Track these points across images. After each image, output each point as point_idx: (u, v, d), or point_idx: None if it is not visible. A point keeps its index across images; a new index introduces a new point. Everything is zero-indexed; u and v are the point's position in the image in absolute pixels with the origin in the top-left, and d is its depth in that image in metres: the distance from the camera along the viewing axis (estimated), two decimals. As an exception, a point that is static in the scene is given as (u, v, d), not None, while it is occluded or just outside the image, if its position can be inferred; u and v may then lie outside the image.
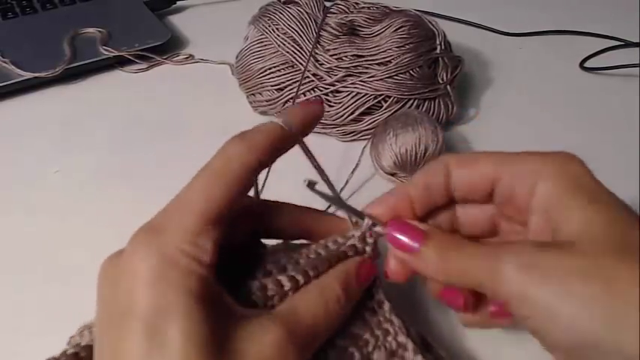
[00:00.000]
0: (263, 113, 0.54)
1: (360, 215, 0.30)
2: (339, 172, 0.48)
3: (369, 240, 0.30)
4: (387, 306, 0.30)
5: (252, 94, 0.53)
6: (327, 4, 0.55)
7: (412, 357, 0.28)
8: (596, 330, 0.22)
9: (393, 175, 0.47)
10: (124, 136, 0.53)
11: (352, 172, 0.47)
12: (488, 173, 0.28)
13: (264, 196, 0.33)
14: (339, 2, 0.56)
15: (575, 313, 0.23)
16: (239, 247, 0.30)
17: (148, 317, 0.23)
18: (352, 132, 0.51)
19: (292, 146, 0.29)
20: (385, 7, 0.56)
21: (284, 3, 0.55)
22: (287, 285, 0.27)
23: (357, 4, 0.56)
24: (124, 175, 0.49)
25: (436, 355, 0.31)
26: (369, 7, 0.55)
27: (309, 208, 0.33)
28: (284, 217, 0.32)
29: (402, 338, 0.29)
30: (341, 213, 0.32)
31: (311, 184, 0.28)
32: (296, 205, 0.32)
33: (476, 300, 0.29)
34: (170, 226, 0.25)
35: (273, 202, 0.32)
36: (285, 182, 0.34)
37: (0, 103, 0.57)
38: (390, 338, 0.29)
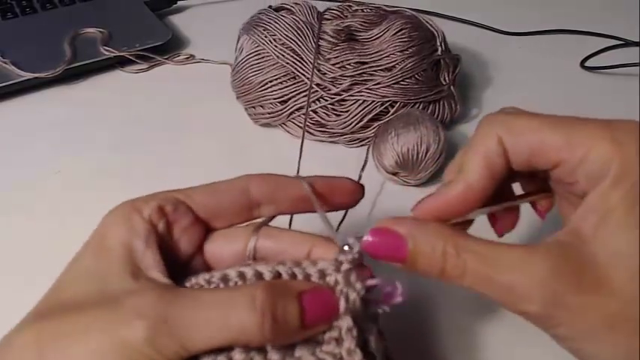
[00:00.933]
0: (265, 125, 0.53)
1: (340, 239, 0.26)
2: (341, 174, 0.48)
3: (344, 266, 0.24)
4: (358, 356, 0.24)
5: (252, 107, 0.53)
6: (319, 8, 0.54)
7: None
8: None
9: (394, 174, 0.47)
10: (124, 136, 0.53)
11: (361, 172, 0.47)
12: (550, 157, 0.25)
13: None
14: (332, 7, 0.55)
15: (618, 341, 0.22)
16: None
17: (82, 249, 0.27)
18: (359, 139, 0.51)
19: (308, 208, 0.28)
20: (379, 8, 0.56)
21: (275, 10, 0.54)
22: (234, 279, 0.25)
23: (349, 6, 0.56)
24: (124, 175, 0.48)
25: None
26: (362, 10, 0.55)
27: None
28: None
29: None
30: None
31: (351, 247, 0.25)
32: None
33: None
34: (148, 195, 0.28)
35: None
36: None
37: (0, 103, 0.57)
38: None
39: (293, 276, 0.25)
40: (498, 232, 0.29)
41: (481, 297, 0.25)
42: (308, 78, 0.49)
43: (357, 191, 0.29)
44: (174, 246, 0.27)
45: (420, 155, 0.45)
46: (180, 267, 0.27)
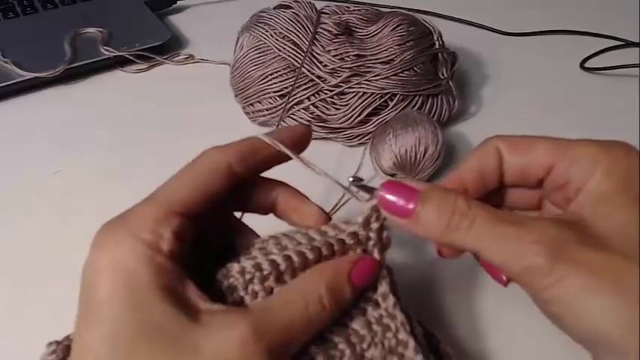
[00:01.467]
0: (263, 124, 0.53)
1: (369, 191, 0.28)
2: (340, 174, 0.48)
3: (374, 225, 0.27)
4: (391, 300, 0.27)
5: (251, 104, 0.53)
6: (318, 7, 0.54)
7: (412, 356, 0.26)
8: (610, 332, 0.22)
9: (392, 175, 0.47)
10: (124, 136, 0.53)
11: (356, 172, 0.47)
12: (543, 161, 0.28)
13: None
14: (330, 5, 0.55)
15: (596, 310, 0.23)
16: (229, 244, 0.29)
17: (100, 309, 0.23)
18: (359, 135, 0.51)
19: (279, 161, 0.30)
20: (376, 8, 0.56)
21: (275, 8, 0.55)
22: (267, 269, 0.26)
23: (348, 6, 0.56)
24: (124, 175, 0.49)
25: (441, 355, 0.29)
26: (359, 10, 0.55)
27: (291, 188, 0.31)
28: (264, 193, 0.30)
29: (403, 335, 0.27)
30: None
31: (356, 180, 0.29)
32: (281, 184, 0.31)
33: None
34: (134, 216, 0.25)
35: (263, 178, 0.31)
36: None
37: (0, 103, 0.57)
38: (389, 335, 0.27)
39: (330, 246, 0.27)
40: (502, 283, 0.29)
41: (480, 256, 0.25)
42: (300, 65, 0.49)
43: (308, 134, 0.31)
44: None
45: (418, 156, 0.45)
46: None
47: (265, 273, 0.26)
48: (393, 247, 0.29)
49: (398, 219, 0.27)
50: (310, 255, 0.27)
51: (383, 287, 0.28)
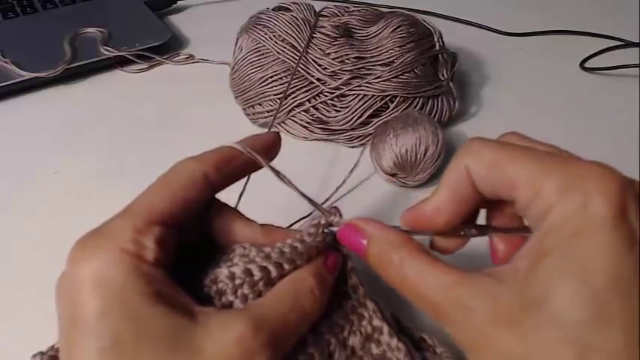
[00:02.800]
0: (263, 125, 0.53)
1: (322, 211, 0.30)
2: (340, 174, 0.48)
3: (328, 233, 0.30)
4: (361, 290, 0.30)
5: (251, 106, 0.53)
6: (317, 8, 0.54)
7: (388, 340, 0.28)
8: None
9: (393, 175, 0.47)
10: (123, 136, 0.53)
11: (350, 172, 0.47)
12: (509, 186, 0.25)
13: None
14: (330, 6, 0.55)
15: None
16: (207, 250, 0.30)
17: (92, 323, 0.23)
18: (359, 136, 0.51)
19: (253, 169, 0.30)
20: (376, 8, 0.56)
21: (274, 10, 0.54)
22: (257, 274, 0.27)
23: (347, 7, 0.56)
24: (124, 175, 0.49)
25: (411, 337, 0.30)
26: (359, 10, 0.55)
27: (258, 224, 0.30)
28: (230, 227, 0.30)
29: (377, 322, 0.29)
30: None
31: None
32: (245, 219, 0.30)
33: None
34: (112, 229, 0.25)
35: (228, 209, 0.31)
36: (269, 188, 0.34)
37: (0, 103, 0.57)
38: (364, 322, 0.29)
39: (315, 249, 0.29)
40: (493, 257, 0.29)
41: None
42: (296, 66, 0.49)
43: (278, 141, 0.31)
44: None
45: (418, 156, 0.45)
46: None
47: (256, 278, 0.27)
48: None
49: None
50: (300, 261, 0.28)
51: (353, 279, 0.30)
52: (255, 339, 0.24)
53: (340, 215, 0.29)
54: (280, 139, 0.31)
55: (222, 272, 0.27)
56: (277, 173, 0.29)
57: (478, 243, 0.29)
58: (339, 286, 0.30)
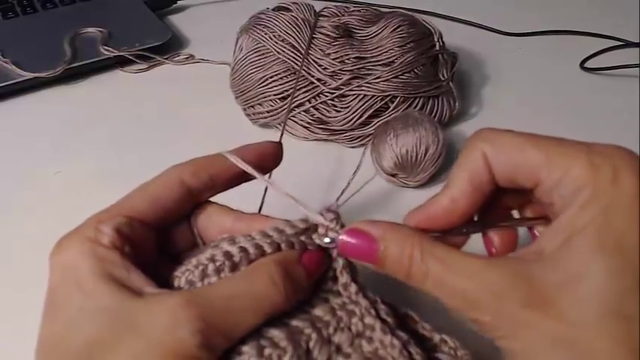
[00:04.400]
0: (264, 126, 0.53)
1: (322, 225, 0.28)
2: (341, 174, 0.48)
3: (326, 240, 0.28)
4: (353, 288, 0.29)
5: (251, 107, 0.53)
6: (317, 8, 0.54)
7: (381, 337, 0.27)
8: None
9: (393, 175, 0.47)
10: (124, 136, 0.53)
11: (354, 174, 0.47)
12: (530, 173, 0.25)
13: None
14: (329, 6, 0.55)
15: None
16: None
17: (50, 296, 0.26)
18: (360, 137, 0.51)
19: (244, 178, 0.30)
20: (375, 9, 0.56)
21: (274, 10, 0.54)
22: (220, 259, 0.26)
23: (347, 7, 0.56)
24: (124, 175, 0.48)
25: (432, 343, 0.29)
26: (359, 10, 0.55)
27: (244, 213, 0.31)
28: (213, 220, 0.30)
29: (369, 319, 0.28)
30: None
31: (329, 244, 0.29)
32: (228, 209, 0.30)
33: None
34: (82, 225, 0.28)
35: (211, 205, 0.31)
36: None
37: (0, 103, 0.57)
38: (355, 320, 0.28)
39: (289, 243, 0.28)
40: (490, 253, 0.29)
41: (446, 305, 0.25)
42: (300, 67, 0.49)
43: (279, 153, 0.31)
44: (139, 258, 0.27)
45: (419, 156, 0.45)
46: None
47: (218, 264, 0.27)
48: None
49: (366, 263, 0.27)
50: (268, 249, 0.27)
51: (344, 278, 0.29)
52: (183, 309, 0.24)
53: (338, 220, 0.28)
54: (281, 149, 0.31)
55: (190, 261, 0.27)
56: (270, 184, 0.29)
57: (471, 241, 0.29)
58: (327, 283, 0.29)
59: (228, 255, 0.27)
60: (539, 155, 0.24)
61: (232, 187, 0.30)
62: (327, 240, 0.28)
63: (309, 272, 0.28)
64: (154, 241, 0.29)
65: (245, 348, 0.25)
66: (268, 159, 0.30)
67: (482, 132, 0.27)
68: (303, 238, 0.28)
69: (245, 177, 0.30)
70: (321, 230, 0.28)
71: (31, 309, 0.39)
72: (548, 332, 0.22)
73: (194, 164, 0.29)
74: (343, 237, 0.27)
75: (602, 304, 0.21)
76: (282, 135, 0.47)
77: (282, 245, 0.28)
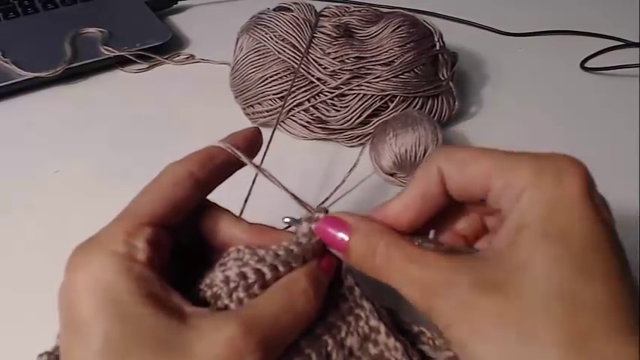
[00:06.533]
0: (263, 125, 0.53)
1: (307, 209, 0.30)
2: (340, 174, 0.48)
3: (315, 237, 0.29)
4: (357, 291, 0.29)
5: (251, 106, 0.53)
6: (317, 8, 0.55)
7: (385, 340, 0.28)
8: None
9: (392, 175, 0.47)
10: (124, 136, 0.54)
11: (350, 172, 0.47)
12: (480, 182, 0.26)
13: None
14: (330, 6, 0.55)
15: (484, 356, 0.22)
16: (202, 251, 0.30)
17: (85, 326, 0.23)
18: (359, 136, 0.51)
19: (237, 166, 0.30)
20: (376, 9, 0.56)
21: (275, 10, 0.54)
22: (251, 277, 0.27)
23: (347, 7, 0.56)
24: (124, 175, 0.49)
25: (409, 332, 0.30)
26: (359, 11, 0.55)
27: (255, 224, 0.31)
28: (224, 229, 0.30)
29: (373, 322, 0.29)
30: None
31: (292, 221, 0.30)
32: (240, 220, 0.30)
33: None
34: (105, 234, 0.26)
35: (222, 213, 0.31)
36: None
37: (0, 103, 0.57)
38: (362, 323, 0.29)
39: (303, 259, 0.28)
40: None
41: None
42: (303, 69, 0.49)
43: (260, 138, 0.32)
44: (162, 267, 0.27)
45: (418, 156, 0.45)
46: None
47: (250, 281, 0.27)
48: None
49: (336, 251, 0.28)
50: (294, 263, 0.28)
51: (349, 281, 0.30)
52: (245, 341, 0.24)
53: (326, 212, 0.29)
54: (260, 133, 0.32)
55: (217, 276, 0.27)
56: (259, 169, 0.30)
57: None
58: (335, 288, 0.30)
59: (259, 273, 0.27)
60: (488, 165, 0.26)
61: (228, 177, 0.31)
62: (305, 225, 0.29)
63: (328, 275, 0.29)
64: (171, 247, 0.28)
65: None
66: (254, 145, 0.31)
67: (441, 149, 0.29)
68: (313, 242, 0.29)
69: (237, 166, 0.30)
70: (305, 217, 0.29)
71: (31, 309, 0.39)
72: (494, 313, 0.23)
73: (197, 158, 0.29)
74: (319, 223, 0.28)
75: (546, 288, 0.22)
76: (273, 131, 0.47)
77: (306, 256, 0.28)
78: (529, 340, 0.22)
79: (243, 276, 0.27)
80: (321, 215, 0.29)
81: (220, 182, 0.30)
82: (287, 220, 0.30)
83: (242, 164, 0.30)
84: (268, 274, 0.27)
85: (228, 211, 0.30)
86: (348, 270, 0.30)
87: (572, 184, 0.24)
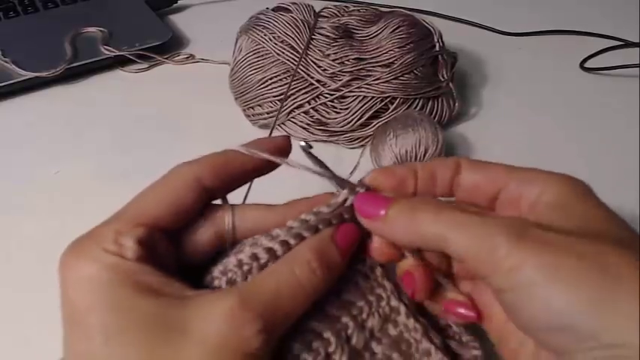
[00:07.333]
0: (263, 127, 0.53)
1: (345, 184, 0.29)
2: (340, 174, 0.48)
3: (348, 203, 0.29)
4: (378, 270, 0.29)
5: (251, 108, 0.53)
6: (316, 8, 0.54)
7: (405, 320, 0.28)
8: (575, 312, 0.21)
9: (392, 175, 0.47)
10: (124, 136, 0.54)
11: (351, 173, 0.47)
12: (498, 179, 0.28)
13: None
14: (329, 6, 0.55)
15: (558, 291, 0.22)
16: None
17: (82, 317, 0.24)
18: (359, 138, 0.51)
19: (257, 173, 0.30)
20: (375, 8, 0.56)
21: (273, 10, 0.54)
22: (263, 257, 0.26)
23: (347, 7, 0.56)
24: (124, 175, 0.49)
25: (436, 323, 0.30)
26: (359, 10, 0.55)
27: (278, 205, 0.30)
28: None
29: (394, 302, 0.28)
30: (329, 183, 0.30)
31: (306, 147, 0.29)
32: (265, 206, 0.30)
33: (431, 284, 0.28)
34: (96, 233, 0.26)
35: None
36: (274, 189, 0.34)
37: (0, 102, 0.57)
38: (383, 303, 0.28)
39: (327, 222, 0.28)
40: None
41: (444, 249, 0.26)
42: (299, 68, 0.49)
43: (288, 146, 0.31)
44: (163, 267, 0.27)
45: (418, 157, 0.45)
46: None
47: (262, 261, 0.26)
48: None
49: (368, 221, 0.27)
50: (307, 234, 0.27)
51: (371, 259, 0.29)
52: (244, 311, 0.24)
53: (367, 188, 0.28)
54: (290, 143, 0.31)
55: (231, 261, 0.27)
56: (293, 164, 0.28)
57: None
58: (357, 266, 0.29)
59: (271, 252, 0.27)
60: (507, 167, 0.28)
61: (243, 184, 0.30)
62: (343, 193, 0.28)
63: (344, 249, 0.28)
64: (174, 247, 0.28)
65: (296, 345, 0.26)
66: (282, 152, 0.30)
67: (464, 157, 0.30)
68: (340, 212, 0.28)
69: (255, 174, 0.30)
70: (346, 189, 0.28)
71: (31, 309, 0.39)
72: (570, 246, 0.23)
73: (211, 163, 0.28)
74: (361, 194, 0.28)
75: (609, 235, 0.23)
76: (270, 134, 0.48)
77: (320, 226, 0.27)
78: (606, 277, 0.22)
79: (255, 257, 0.26)
80: (362, 189, 0.28)
81: (233, 189, 0.29)
82: (302, 144, 0.29)
83: (259, 173, 0.30)
84: (279, 251, 0.27)
85: (255, 204, 0.30)
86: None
87: (583, 185, 0.26)
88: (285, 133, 0.52)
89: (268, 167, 0.29)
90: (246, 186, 0.36)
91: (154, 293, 0.24)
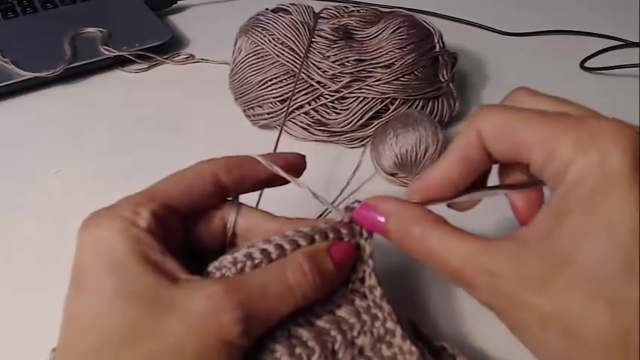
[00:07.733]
0: (264, 127, 0.53)
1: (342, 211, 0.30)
2: (340, 174, 0.48)
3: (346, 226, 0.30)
4: (378, 292, 0.29)
5: (251, 108, 0.53)
6: (316, 9, 0.54)
7: (400, 343, 0.28)
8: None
9: (393, 175, 0.47)
10: (124, 136, 0.53)
11: (353, 173, 0.47)
12: (523, 146, 0.25)
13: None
14: (329, 7, 0.55)
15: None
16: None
17: (83, 274, 0.26)
18: (359, 138, 0.51)
19: (270, 183, 0.31)
20: (375, 8, 0.56)
21: (272, 11, 0.54)
22: (257, 257, 0.27)
23: (346, 7, 0.56)
24: (124, 175, 0.49)
25: (428, 343, 0.30)
26: (358, 11, 0.55)
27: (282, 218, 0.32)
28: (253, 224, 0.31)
29: (390, 324, 0.28)
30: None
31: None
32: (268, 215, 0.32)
33: None
34: (117, 203, 0.28)
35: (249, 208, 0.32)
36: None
37: (0, 102, 0.57)
38: (378, 324, 0.29)
39: (323, 234, 0.29)
40: (517, 217, 0.29)
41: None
42: (301, 71, 0.49)
43: (303, 164, 0.33)
44: (170, 246, 0.28)
45: (418, 156, 0.45)
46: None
47: (256, 261, 0.27)
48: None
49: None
50: (302, 242, 0.28)
51: (372, 280, 0.29)
52: (226, 297, 0.25)
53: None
54: (305, 161, 0.32)
55: (226, 258, 0.28)
56: (301, 184, 0.30)
57: (499, 205, 0.30)
58: (355, 284, 0.30)
59: (265, 253, 0.28)
60: (530, 135, 0.25)
61: (255, 190, 0.32)
62: (341, 207, 0.30)
63: (338, 263, 0.28)
64: (182, 232, 0.29)
65: (277, 346, 0.27)
66: (296, 169, 0.32)
67: (482, 109, 0.27)
68: (338, 230, 0.29)
69: (268, 184, 0.31)
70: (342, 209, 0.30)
71: (31, 309, 0.39)
72: (540, 312, 0.22)
73: (227, 162, 0.30)
74: (357, 209, 0.29)
75: (589, 288, 0.22)
76: (278, 138, 0.48)
77: (316, 237, 0.28)
78: (575, 341, 0.22)
79: (249, 256, 0.27)
80: (357, 205, 0.29)
81: (246, 190, 0.31)
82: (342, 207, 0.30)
83: (271, 184, 0.31)
84: (274, 254, 0.28)
85: (263, 211, 0.31)
86: (373, 269, 0.30)
87: (618, 162, 0.22)
88: (285, 134, 0.52)
89: (280, 180, 0.31)
90: (257, 193, 0.37)
91: (151, 266, 0.25)
